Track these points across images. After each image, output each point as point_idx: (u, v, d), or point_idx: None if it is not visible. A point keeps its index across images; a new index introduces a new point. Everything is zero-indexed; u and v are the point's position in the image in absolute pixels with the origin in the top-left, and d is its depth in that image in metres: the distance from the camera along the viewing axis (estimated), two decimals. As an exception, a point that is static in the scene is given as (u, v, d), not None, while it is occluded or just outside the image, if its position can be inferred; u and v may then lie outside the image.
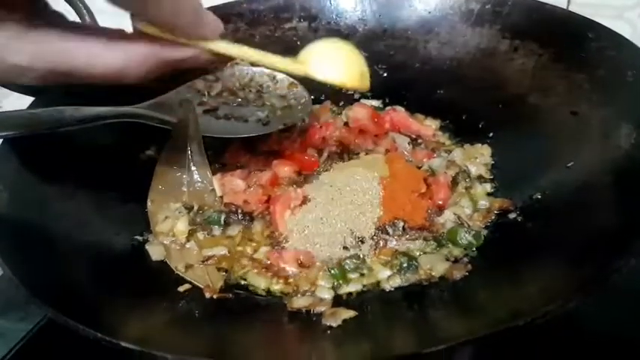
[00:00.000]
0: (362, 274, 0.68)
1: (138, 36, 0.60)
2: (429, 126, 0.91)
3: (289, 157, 0.85)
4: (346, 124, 0.90)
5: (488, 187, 0.78)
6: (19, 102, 0.83)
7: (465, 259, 0.67)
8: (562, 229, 0.64)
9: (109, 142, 0.84)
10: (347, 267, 0.68)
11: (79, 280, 0.63)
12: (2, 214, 0.67)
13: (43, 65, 0.56)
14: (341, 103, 0.97)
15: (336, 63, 0.69)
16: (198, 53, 0.63)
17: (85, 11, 0.95)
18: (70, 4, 0.96)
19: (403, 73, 0.98)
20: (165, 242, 0.73)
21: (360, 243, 0.71)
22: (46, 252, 0.65)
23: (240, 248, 0.73)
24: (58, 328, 0.52)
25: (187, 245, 0.73)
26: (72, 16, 0.95)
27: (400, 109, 0.92)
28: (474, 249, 0.68)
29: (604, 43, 0.78)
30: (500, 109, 0.86)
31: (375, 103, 0.96)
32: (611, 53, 0.77)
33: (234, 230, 0.75)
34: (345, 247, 0.70)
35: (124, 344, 0.49)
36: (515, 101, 0.85)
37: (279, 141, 0.87)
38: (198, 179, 0.79)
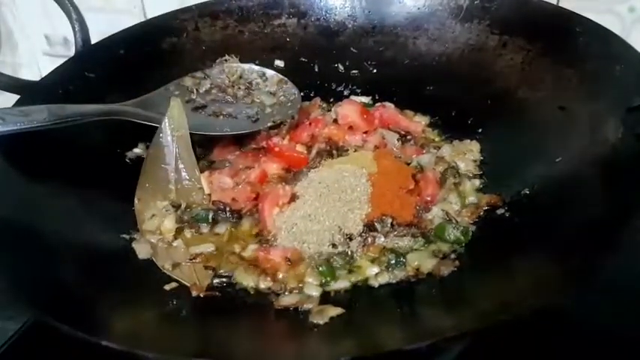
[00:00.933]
0: (350, 272, 0.67)
1: None
2: (418, 122, 0.90)
3: (278, 154, 0.84)
4: (335, 120, 0.89)
5: (477, 183, 0.78)
6: (10, 103, 0.83)
7: (453, 256, 0.67)
8: (549, 224, 0.64)
9: (97, 141, 0.83)
10: (335, 264, 0.67)
11: (66, 279, 0.63)
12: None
13: None
14: (330, 100, 0.97)
15: None
16: None
17: (72, 9, 0.94)
18: (57, 3, 0.96)
19: (393, 70, 0.98)
20: (152, 240, 0.73)
21: (348, 240, 0.70)
22: (32, 251, 0.64)
23: (228, 246, 0.73)
24: (46, 327, 0.52)
25: (174, 243, 0.73)
26: (60, 14, 0.95)
27: (390, 105, 0.92)
28: (462, 245, 0.68)
29: (592, 38, 0.78)
30: (489, 105, 0.85)
31: (365, 99, 0.96)
32: (599, 48, 0.77)
33: (222, 228, 0.75)
34: (333, 245, 0.70)
35: (105, 344, 0.49)
36: (503, 96, 0.84)
37: (268, 138, 0.86)
38: (186, 177, 0.79)
